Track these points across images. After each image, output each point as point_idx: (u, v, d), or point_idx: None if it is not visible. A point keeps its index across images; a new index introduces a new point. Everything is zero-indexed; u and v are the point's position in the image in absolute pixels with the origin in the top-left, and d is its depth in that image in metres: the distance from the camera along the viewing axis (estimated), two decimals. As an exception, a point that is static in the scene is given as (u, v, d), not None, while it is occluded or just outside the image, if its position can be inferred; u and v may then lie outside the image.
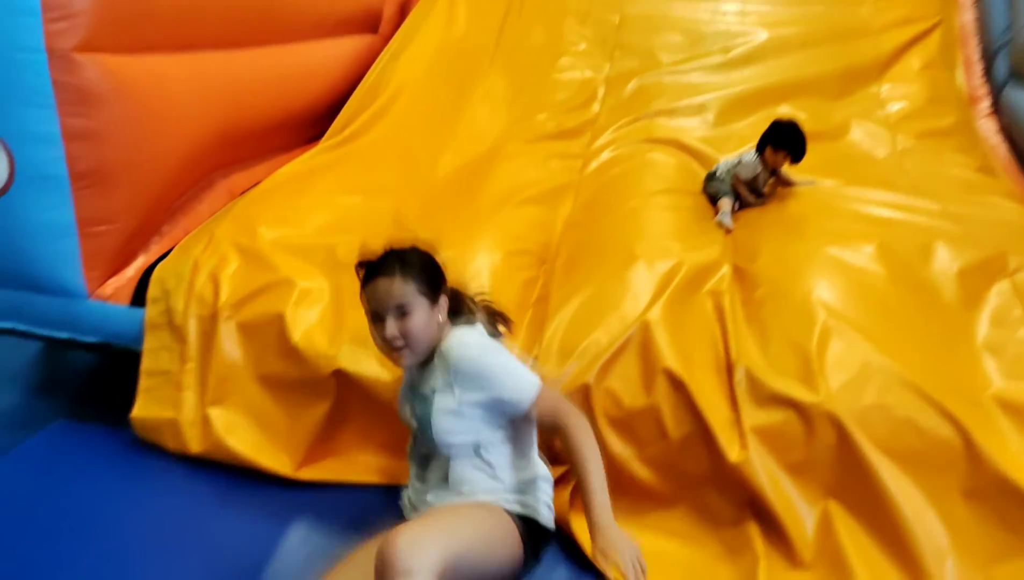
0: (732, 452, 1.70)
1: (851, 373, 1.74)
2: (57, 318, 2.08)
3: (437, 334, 1.51)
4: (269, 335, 1.96)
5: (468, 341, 1.51)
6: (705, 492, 1.79)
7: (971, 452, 1.62)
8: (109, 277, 2.11)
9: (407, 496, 1.63)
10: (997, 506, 1.59)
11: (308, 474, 1.90)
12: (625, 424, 1.79)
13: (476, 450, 1.50)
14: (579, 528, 1.67)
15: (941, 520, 1.61)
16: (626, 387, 1.80)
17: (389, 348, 1.49)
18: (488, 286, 2.02)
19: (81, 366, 2.55)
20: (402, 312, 1.45)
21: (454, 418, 1.48)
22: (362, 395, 1.90)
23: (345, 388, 1.91)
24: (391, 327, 1.46)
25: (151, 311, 2.01)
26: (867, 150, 2.90)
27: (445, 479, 1.51)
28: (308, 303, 2.00)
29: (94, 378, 2.48)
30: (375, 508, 1.77)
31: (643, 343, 1.82)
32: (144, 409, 1.95)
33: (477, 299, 1.65)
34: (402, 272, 1.47)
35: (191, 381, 1.96)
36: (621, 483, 1.82)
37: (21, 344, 2.40)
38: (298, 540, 1.69)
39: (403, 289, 1.46)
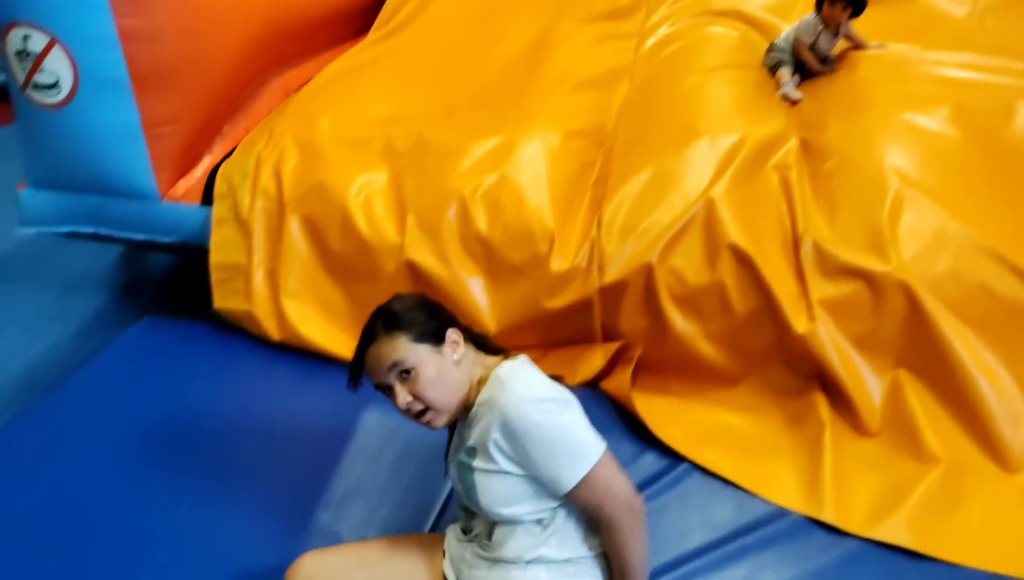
0: (799, 324, 1.70)
1: (924, 241, 1.70)
2: (134, 220, 2.16)
3: (463, 378, 1.21)
4: (333, 227, 2.00)
5: (524, 390, 1.15)
6: (770, 367, 1.80)
7: (1050, 315, 1.59)
8: (178, 178, 2.17)
9: (448, 541, 1.33)
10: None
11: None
12: (689, 301, 1.80)
13: (531, 520, 1.18)
14: (643, 407, 1.72)
15: (1017, 384, 1.60)
16: (690, 265, 1.80)
17: (412, 417, 1.21)
18: (545, 170, 2.00)
19: (162, 267, 2.67)
20: (404, 372, 1.17)
21: (501, 484, 1.16)
22: (426, 286, 1.94)
23: (410, 279, 1.96)
24: (401, 395, 1.17)
25: (218, 207, 2.07)
26: (944, 10, 2.68)
27: (489, 535, 1.22)
28: (369, 194, 2.02)
29: (175, 277, 2.60)
30: None
31: (707, 220, 1.80)
32: (222, 301, 2.05)
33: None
34: (386, 328, 1.19)
35: (261, 273, 2.04)
36: (686, 362, 1.86)
37: (103, 249, 2.52)
38: (373, 424, 1.79)
39: (393, 346, 1.17)
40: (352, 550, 1.34)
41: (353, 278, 2.01)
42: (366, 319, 1.97)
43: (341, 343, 1.98)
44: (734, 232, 1.77)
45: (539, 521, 1.18)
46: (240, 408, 1.85)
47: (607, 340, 1.91)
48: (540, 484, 1.15)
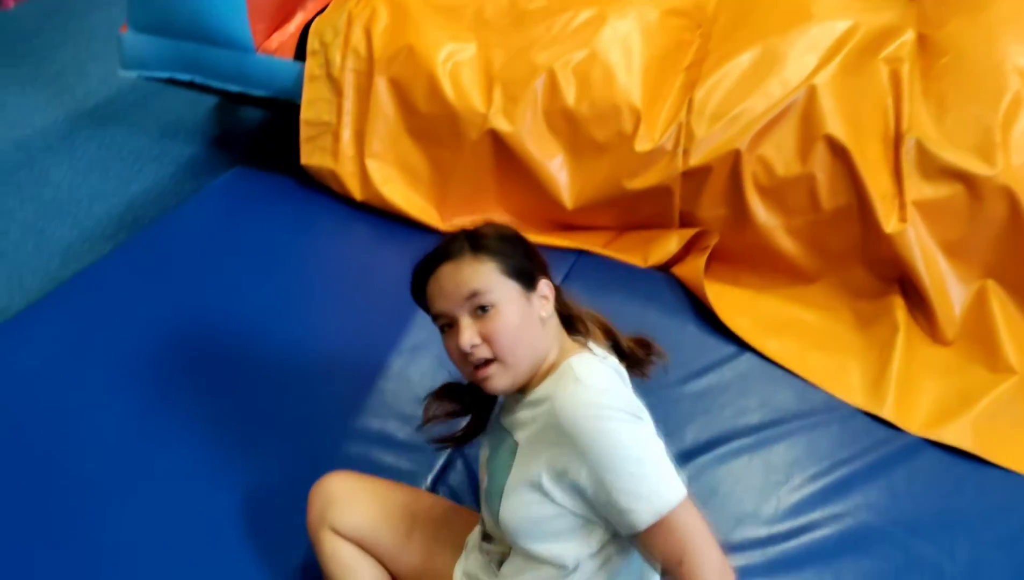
0: (888, 224, 1.65)
1: (1038, 147, 1.60)
2: (229, 71, 2.21)
3: (544, 342, 1.00)
4: (420, 91, 2.00)
5: (593, 393, 0.92)
6: (850, 268, 1.77)
7: None
8: (273, 31, 2.19)
9: (470, 542, 1.13)
10: None
11: (453, 226, 2.00)
12: (775, 193, 1.76)
13: (553, 563, 0.94)
14: (713, 295, 1.72)
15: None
16: (780, 155, 1.74)
17: (470, 366, 0.98)
18: (638, 47, 1.94)
19: (252, 121, 2.74)
20: (480, 306, 0.96)
21: (536, 507, 0.93)
22: (507, 157, 1.94)
23: (492, 148, 1.96)
24: (469, 333, 0.96)
25: (310, 63, 2.09)
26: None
27: (500, 563, 1.02)
28: (457, 63, 2.01)
29: (264, 132, 2.68)
30: None
31: (806, 109, 1.73)
32: (309, 157, 2.10)
33: (592, 317, 1.10)
34: (472, 248, 0.99)
35: (349, 133, 2.07)
36: (763, 255, 1.84)
37: (198, 99, 2.60)
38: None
39: (477, 270, 0.97)
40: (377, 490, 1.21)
41: (436, 143, 2.03)
42: (446, 185, 2.07)
43: (419, 207, 2.03)
44: (833, 123, 1.70)
45: (562, 567, 0.93)
46: (321, 258, 1.94)
47: (684, 226, 1.90)
48: (590, 519, 0.91)
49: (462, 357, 0.98)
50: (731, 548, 1.27)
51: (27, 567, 1.22)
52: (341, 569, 1.13)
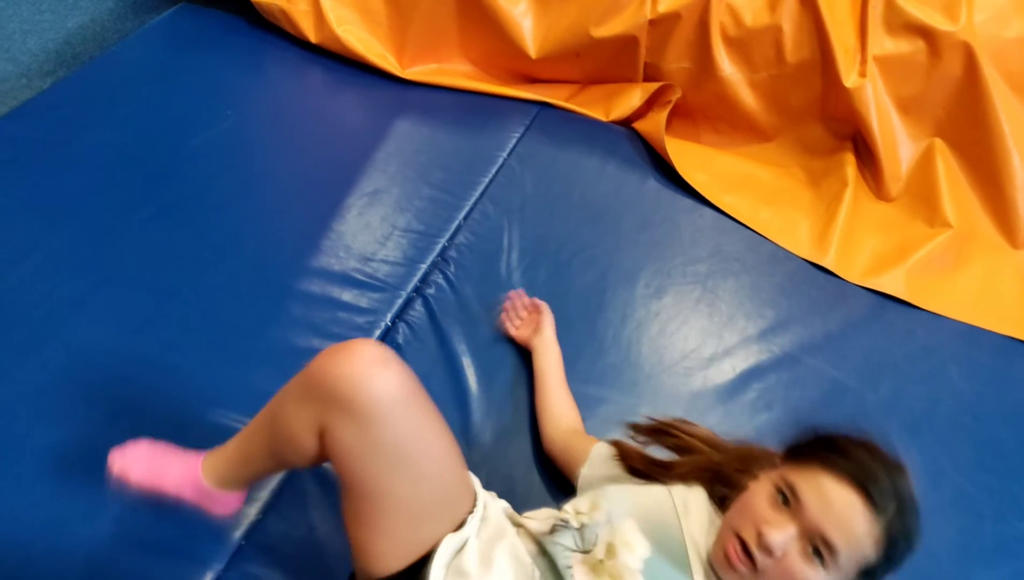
0: (848, 78, 1.65)
1: (1000, 5, 1.60)
2: None
3: None
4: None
5: None
6: (807, 125, 1.80)
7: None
8: None
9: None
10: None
11: (412, 75, 1.96)
12: (741, 44, 1.74)
13: None
14: (673, 150, 1.73)
15: (1049, 164, 1.60)
16: (749, 4, 1.71)
17: (738, 544, 0.81)
18: None
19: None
20: (819, 550, 0.79)
21: None
22: (471, 3, 1.86)
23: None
24: (783, 535, 0.79)
25: None
26: None
27: None
28: None
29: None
30: (466, 108, 1.89)
31: (777, -44, 1.68)
32: (260, -6, 1.98)
33: None
34: (878, 511, 0.79)
35: (303, -31, 1.95)
36: (724, 111, 1.84)
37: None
38: (406, 130, 1.81)
39: (862, 531, 0.78)
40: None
41: (396, -16, 1.93)
42: (406, 29, 1.98)
43: (377, 52, 1.96)
44: (803, -28, 1.66)
45: None
46: (273, 103, 1.87)
47: (648, 81, 1.88)
48: None
49: (755, 537, 0.80)
50: (676, 376, 1.35)
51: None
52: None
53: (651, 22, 1.76)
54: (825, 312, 1.50)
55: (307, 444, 0.86)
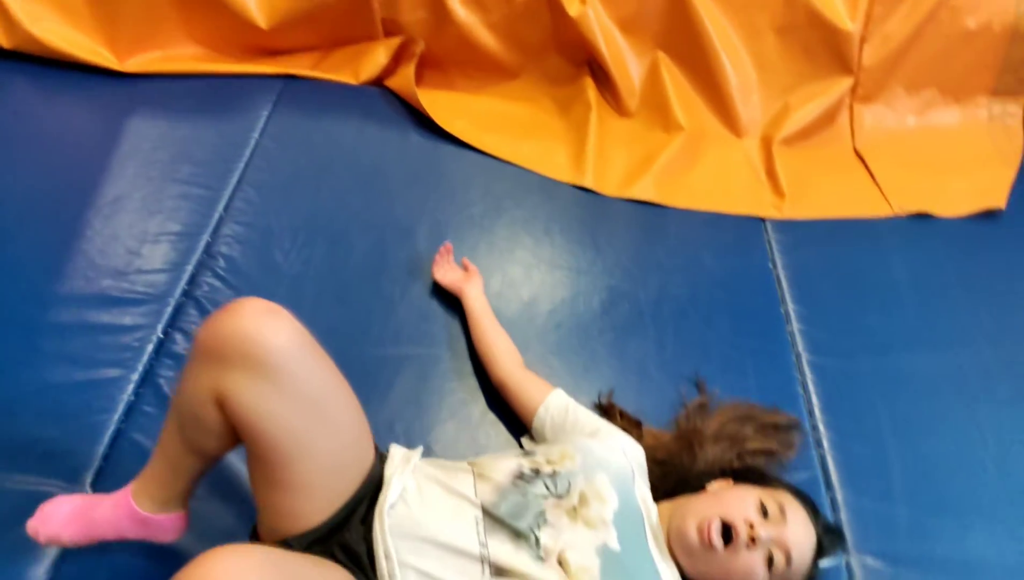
0: (572, 8, 1.75)
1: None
2: None
3: None
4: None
5: None
6: (546, 57, 1.88)
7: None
8: None
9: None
10: (802, 37, 1.78)
11: (134, 67, 1.80)
12: (470, -10, 1.77)
13: None
14: (428, 102, 1.75)
15: (751, 58, 1.81)
16: (469, -51, 1.74)
17: (718, 531, 0.91)
18: None
19: None
20: (782, 559, 0.92)
21: None
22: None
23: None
24: (768, 535, 0.91)
25: None
26: None
27: None
28: None
29: None
30: (204, 93, 1.77)
31: None
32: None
33: None
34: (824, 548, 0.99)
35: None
36: (468, 56, 1.88)
37: None
38: (137, 130, 1.67)
39: (809, 555, 0.96)
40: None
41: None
42: (113, 19, 1.79)
43: (86, 48, 1.76)
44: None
45: None
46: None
47: (389, 36, 1.86)
48: None
49: (746, 527, 0.90)
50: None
51: None
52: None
53: (377, -25, 1.74)
54: (593, 228, 1.61)
55: (211, 418, 0.81)
